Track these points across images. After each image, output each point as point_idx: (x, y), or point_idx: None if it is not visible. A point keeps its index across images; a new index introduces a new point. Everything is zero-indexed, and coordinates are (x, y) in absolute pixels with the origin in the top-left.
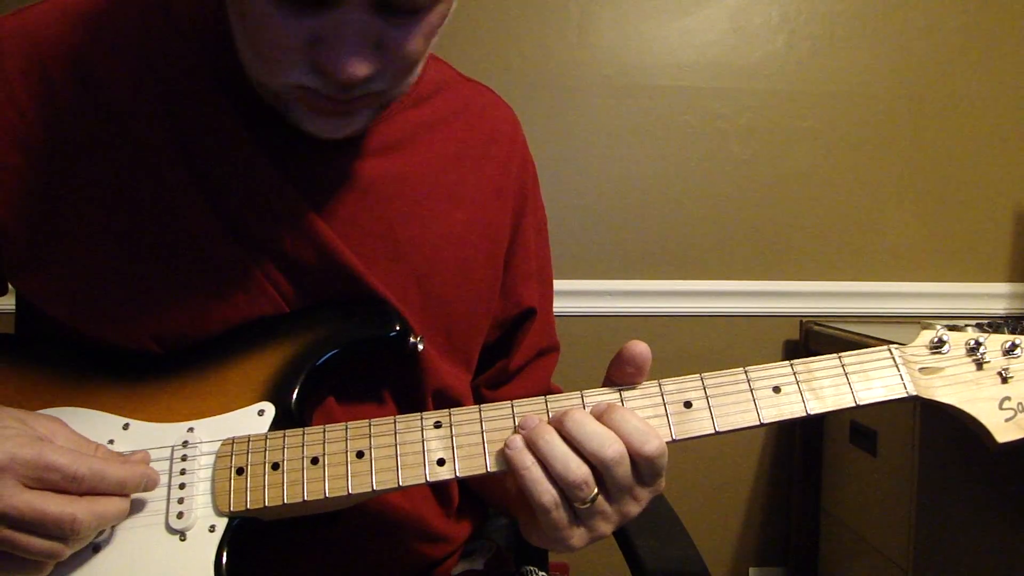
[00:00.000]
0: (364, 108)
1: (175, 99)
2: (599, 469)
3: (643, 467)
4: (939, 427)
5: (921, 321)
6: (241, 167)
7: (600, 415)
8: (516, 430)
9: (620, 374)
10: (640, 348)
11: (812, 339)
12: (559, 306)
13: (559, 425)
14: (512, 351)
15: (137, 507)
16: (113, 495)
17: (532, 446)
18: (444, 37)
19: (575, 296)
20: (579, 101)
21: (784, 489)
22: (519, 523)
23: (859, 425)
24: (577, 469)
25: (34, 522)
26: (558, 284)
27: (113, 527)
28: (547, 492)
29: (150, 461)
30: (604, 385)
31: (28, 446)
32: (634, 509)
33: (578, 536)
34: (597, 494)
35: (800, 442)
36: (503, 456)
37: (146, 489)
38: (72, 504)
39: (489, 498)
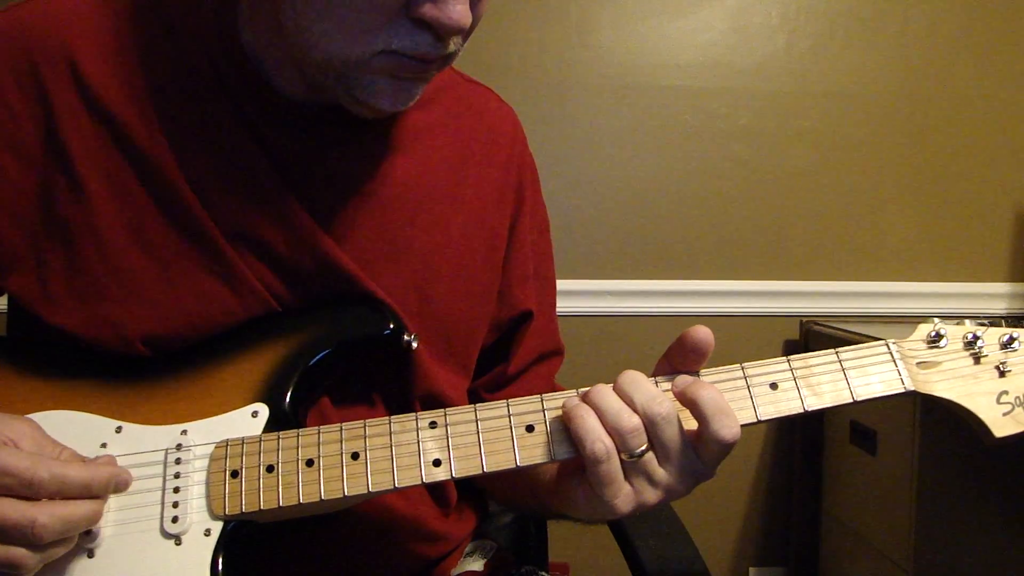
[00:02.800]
0: (433, 73)
1: (170, 100)
2: (649, 427)
3: None
4: (939, 427)
5: (921, 321)
6: (238, 169)
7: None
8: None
9: (682, 361)
10: (703, 333)
11: (812, 339)
12: (559, 306)
13: (614, 384)
14: (510, 355)
15: (130, 511)
16: (79, 498)
17: (585, 398)
18: None
19: (575, 296)
20: (579, 101)
21: (784, 489)
22: (556, 503)
23: (859, 425)
24: (629, 418)
25: None
26: (558, 284)
27: (101, 531)
28: (599, 440)
29: (115, 463)
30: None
31: None
32: (679, 484)
33: (624, 496)
34: (647, 449)
35: (800, 442)
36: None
37: (117, 490)
38: (32, 508)
39: (516, 495)
